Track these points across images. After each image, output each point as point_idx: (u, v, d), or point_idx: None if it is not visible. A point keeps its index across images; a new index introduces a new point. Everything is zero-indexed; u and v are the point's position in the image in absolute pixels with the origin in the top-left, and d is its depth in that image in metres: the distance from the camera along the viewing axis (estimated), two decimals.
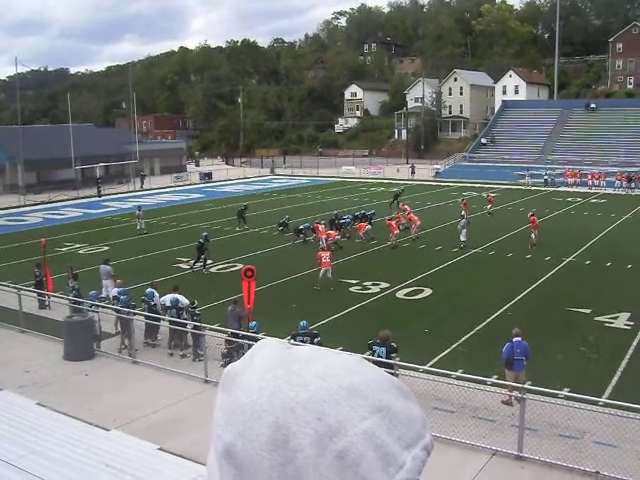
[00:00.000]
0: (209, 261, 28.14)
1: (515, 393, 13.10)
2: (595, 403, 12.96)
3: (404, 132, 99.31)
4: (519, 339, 13.87)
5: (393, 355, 13.68)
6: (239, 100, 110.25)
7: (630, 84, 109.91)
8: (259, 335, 15.84)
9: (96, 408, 13.69)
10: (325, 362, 0.92)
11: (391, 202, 45.00)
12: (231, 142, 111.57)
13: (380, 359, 13.34)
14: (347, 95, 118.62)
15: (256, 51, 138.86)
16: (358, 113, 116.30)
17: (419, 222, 33.90)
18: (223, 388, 0.93)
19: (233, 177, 72.36)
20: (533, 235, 31.16)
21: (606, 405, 13.12)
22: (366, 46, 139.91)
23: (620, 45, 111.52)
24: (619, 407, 12.61)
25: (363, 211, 37.74)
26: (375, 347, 13.80)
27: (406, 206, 38.28)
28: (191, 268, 27.74)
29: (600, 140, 70.93)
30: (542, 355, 16.52)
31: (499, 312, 21.02)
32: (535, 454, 11.65)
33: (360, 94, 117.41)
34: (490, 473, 11.34)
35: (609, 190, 57.51)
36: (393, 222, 32.71)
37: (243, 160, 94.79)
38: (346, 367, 0.93)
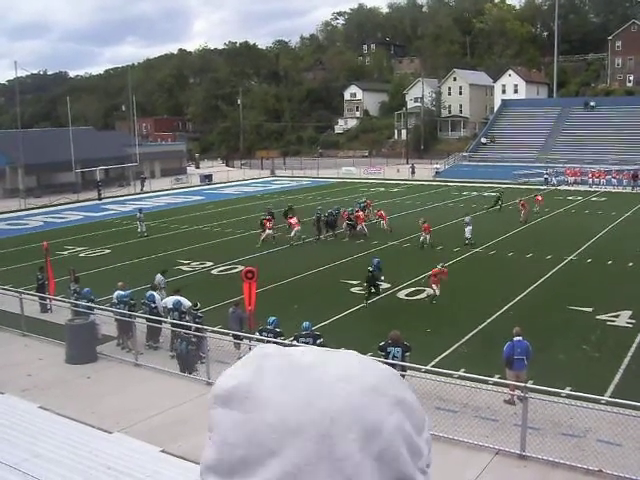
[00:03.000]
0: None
1: (517, 392, 13.09)
2: (598, 402, 12.95)
3: (404, 132, 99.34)
4: (519, 338, 13.88)
5: (407, 354, 13.71)
6: (239, 102, 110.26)
7: (630, 82, 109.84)
8: (278, 329, 15.89)
9: (98, 411, 13.68)
10: (336, 363, 0.92)
11: (492, 206, 44.60)
12: (231, 144, 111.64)
13: (394, 361, 13.32)
14: (347, 96, 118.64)
15: (255, 53, 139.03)
16: (358, 114, 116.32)
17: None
18: (231, 405, 0.89)
19: (233, 179, 72.36)
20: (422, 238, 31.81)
21: (608, 403, 13.11)
22: (365, 46, 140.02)
23: (619, 43, 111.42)
24: (622, 405, 12.59)
25: (351, 208, 38.08)
26: (390, 348, 13.76)
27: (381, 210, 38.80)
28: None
29: (600, 138, 70.94)
30: (544, 354, 16.51)
31: (501, 311, 21.02)
32: (538, 453, 11.63)
33: (359, 95, 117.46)
34: (493, 472, 11.32)
35: (609, 188, 57.49)
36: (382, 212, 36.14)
37: (243, 162, 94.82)
38: (358, 365, 0.93)
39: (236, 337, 17.25)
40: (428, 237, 31.26)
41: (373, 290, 22.27)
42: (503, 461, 11.65)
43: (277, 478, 0.83)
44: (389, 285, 24.37)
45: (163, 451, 10.35)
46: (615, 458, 11.43)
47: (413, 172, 70.68)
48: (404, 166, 77.17)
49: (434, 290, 22.49)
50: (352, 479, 0.84)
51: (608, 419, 12.48)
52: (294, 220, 33.38)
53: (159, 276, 22.34)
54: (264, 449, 0.84)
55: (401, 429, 0.88)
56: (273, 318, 16.39)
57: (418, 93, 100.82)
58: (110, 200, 56.20)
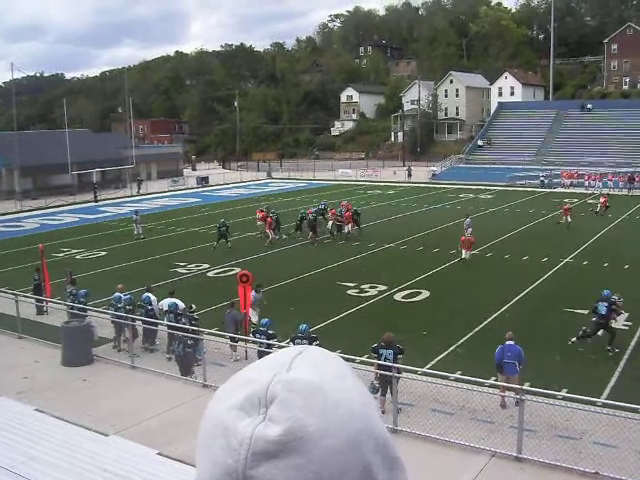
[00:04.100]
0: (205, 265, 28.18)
1: (509, 394, 13.14)
2: (594, 403, 12.97)
3: (400, 134, 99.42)
4: (511, 342, 13.89)
5: (400, 357, 13.71)
6: (235, 104, 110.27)
7: (625, 85, 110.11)
8: (271, 331, 15.90)
9: (95, 413, 13.67)
10: (333, 379, 0.93)
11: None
12: (228, 146, 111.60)
13: (386, 362, 13.36)
14: (343, 98, 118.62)
15: (251, 55, 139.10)
16: (354, 116, 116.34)
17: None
18: (292, 451, 0.85)
19: (230, 181, 72.34)
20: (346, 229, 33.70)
21: (605, 405, 13.14)
22: (362, 49, 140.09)
23: (615, 46, 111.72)
24: (618, 407, 12.63)
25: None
26: (382, 350, 13.78)
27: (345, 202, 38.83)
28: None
29: (596, 141, 71.09)
30: (540, 356, 16.55)
31: (497, 314, 21.04)
32: (534, 455, 11.65)
33: (356, 97, 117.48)
34: (489, 474, 11.33)
35: (605, 190, 57.59)
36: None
37: (240, 164, 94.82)
38: (345, 373, 0.95)
39: (232, 339, 17.24)
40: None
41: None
42: (499, 463, 11.67)
43: None
44: (386, 287, 24.39)
45: (159, 454, 10.34)
46: (611, 460, 11.46)
47: (410, 174, 70.71)
48: (401, 168, 77.21)
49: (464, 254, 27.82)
50: None
51: (604, 421, 12.49)
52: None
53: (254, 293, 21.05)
54: None
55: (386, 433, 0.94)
56: (266, 320, 16.43)
57: (414, 95, 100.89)
58: (106, 202, 56.16)
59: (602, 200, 44.22)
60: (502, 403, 13.51)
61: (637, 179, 58.83)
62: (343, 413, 0.88)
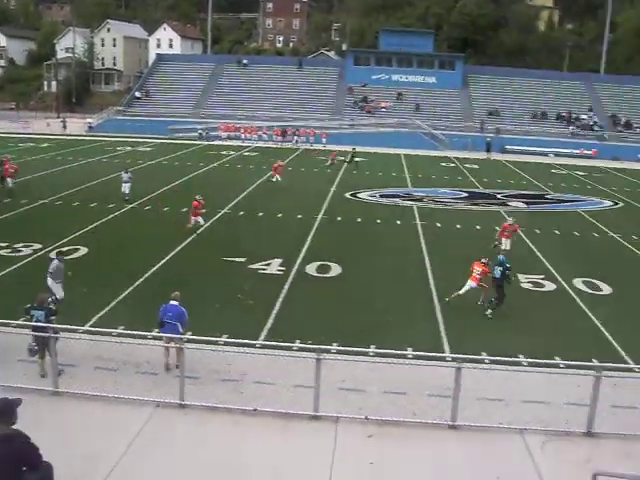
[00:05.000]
0: None
1: (171, 355, 13.10)
2: (253, 346, 13.61)
3: (54, 84, 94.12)
4: (175, 303, 13.63)
5: (52, 318, 13.00)
6: None
7: (279, 43, 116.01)
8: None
9: None
10: None
11: (349, 161, 47.39)
12: None
13: (39, 323, 12.62)
14: None
15: None
16: (2, 62, 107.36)
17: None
18: None
19: None
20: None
21: (263, 347, 13.87)
22: None
23: (270, 5, 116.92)
24: (274, 347, 13.37)
25: None
26: (33, 311, 12.97)
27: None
28: None
29: (252, 95, 74.02)
30: (201, 305, 16.92)
31: (159, 265, 21.01)
32: (198, 401, 11.91)
33: (3, 41, 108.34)
34: (155, 423, 11.38)
35: (260, 143, 60.55)
36: None
37: None
38: None
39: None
40: None
41: None
42: (164, 412, 11.75)
43: None
44: (41, 246, 22.96)
45: None
46: (269, 396, 12.22)
47: (65, 126, 67.59)
48: (55, 120, 73.28)
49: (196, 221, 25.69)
50: None
51: (263, 361, 13.19)
52: None
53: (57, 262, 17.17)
54: None
55: None
56: None
57: (69, 43, 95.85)
58: None
59: (332, 155, 47.81)
60: (166, 366, 13.35)
61: (289, 132, 62.75)
62: None
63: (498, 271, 18.22)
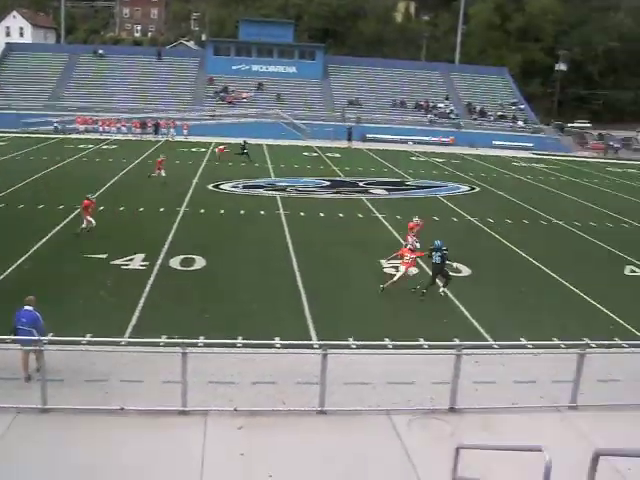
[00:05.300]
0: None
1: (31, 363, 12.37)
2: (118, 344, 13.31)
3: None
4: (29, 308, 12.77)
5: None
6: None
7: (137, 32, 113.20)
8: None
9: None
10: None
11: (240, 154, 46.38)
12: None
13: None
14: None
15: None
16: None
17: None
18: None
19: None
20: None
21: (128, 344, 13.60)
22: None
23: None
24: (139, 344, 13.14)
25: None
26: None
27: None
28: None
29: (110, 87, 71.82)
30: (63, 305, 16.40)
31: (14, 266, 20.06)
32: (61, 403, 11.54)
33: None
34: (15, 431, 10.93)
35: (119, 136, 58.97)
36: None
37: None
38: None
39: None
40: None
41: None
42: (25, 418, 11.30)
43: None
44: None
45: None
46: (137, 394, 11.97)
47: None
48: None
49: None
50: None
51: (129, 358, 12.93)
52: None
53: None
54: None
55: None
56: None
57: None
58: None
59: (220, 148, 46.33)
60: (26, 379, 12.59)
61: (148, 125, 61.43)
62: None
63: (437, 257, 18.94)
